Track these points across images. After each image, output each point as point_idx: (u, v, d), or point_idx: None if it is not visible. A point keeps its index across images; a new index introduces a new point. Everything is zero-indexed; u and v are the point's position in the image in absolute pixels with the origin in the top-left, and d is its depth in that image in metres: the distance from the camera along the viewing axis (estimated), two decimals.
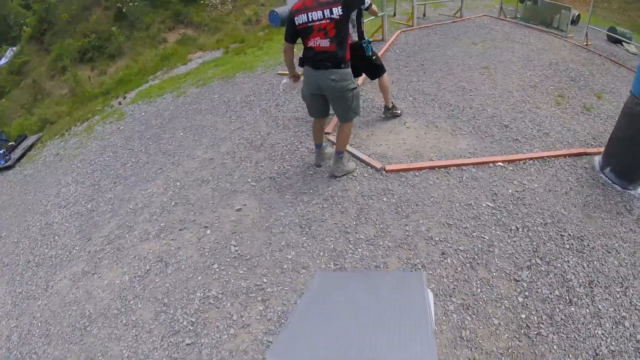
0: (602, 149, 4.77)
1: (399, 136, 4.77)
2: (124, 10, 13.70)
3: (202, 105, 6.45)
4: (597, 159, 4.75)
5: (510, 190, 3.96)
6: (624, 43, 11.43)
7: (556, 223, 3.67)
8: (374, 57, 4.51)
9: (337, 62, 3.25)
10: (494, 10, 12.82)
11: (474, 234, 3.42)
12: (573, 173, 4.47)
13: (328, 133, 4.79)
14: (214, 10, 15.21)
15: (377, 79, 4.72)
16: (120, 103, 7.96)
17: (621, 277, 3.31)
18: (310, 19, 3.16)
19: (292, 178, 4.11)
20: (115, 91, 9.19)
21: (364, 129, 4.91)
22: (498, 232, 3.46)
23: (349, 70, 3.40)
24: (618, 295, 3.14)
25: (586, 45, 10.30)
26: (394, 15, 11.66)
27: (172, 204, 4.07)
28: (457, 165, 4.22)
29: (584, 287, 3.12)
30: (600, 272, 3.30)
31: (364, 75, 5.10)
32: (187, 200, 4.08)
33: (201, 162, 4.72)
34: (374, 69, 4.62)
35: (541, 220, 3.66)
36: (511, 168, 4.32)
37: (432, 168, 4.13)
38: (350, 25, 4.09)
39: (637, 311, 3.07)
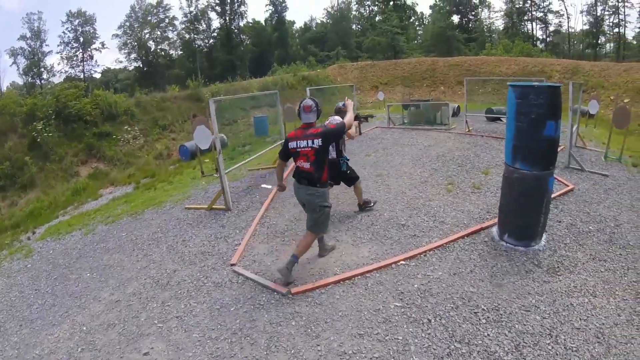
0: (496, 220, 5.59)
1: (303, 257, 5.20)
2: (38, 139, 14.43)
3: (110, 243, 6.71)
4: (495, 230, 5.52)
5: (415, 285, 4.41)
6: (502, 119, 13.78)
7: (467, 303, 4.10)
8: (348, 172, 6.00)
9: (314, 181, 4.34)
10: (384, 121, 15.04)
11: (386, 337, 3.69)
12: (474, 250, 5.12)
13: (234, 264, 5.19)
14: (127, 144, 16.57)
15: (352, 186, 6.21)
16: (29, 238, 8.16)
17: (548, 329, 3.72)
18: (298, 146, 4.32)
19: (199, 315, 4.27)
20: (25, 225, 9.27)
21: (268, 255, 5.31)
22: (411, 329, 3.77)
23: (325, 190, 4.48)
24: (550, 347, 3.51)
25: (468, 131, 12.34)
26: None
27: (79, 350, 4.10)
28: (361, 274, 4.65)
29: (511, 354, 3.43)
30: (524, 332, 3.68)
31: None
32: (94, 345, 4.13)
33: (107, 305, 4.84)
34: (349, 180, 6.11)
35: (452, 305, 4.08)
36: (413, 264, 4.87)
37: (337, 282, 4.55)
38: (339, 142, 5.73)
39: (575, 352, 3.45)
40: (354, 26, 61.47)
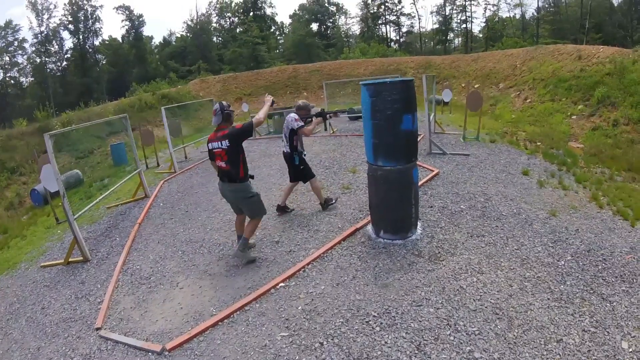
0: (370, 218, 5.52)
1: (174, 302, 4.66)
2: None
3: None
4: (370, 228, 5.46)
5: (299, 308, 4.09)
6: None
7: (357, 313, 3.88)
8: (301, 167, 6.19)
9: (232, 178, 4.75)
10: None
11: None
12: (353, 254, 4.98)
13: (99, 328, 4.38)
14: None
15: (308, 182, 6.37)
16: None
17: (445, 319, 3.66)
18: (213, 147, 4.76)
19: None
20: None
21: (136, 309, 4.68)
22: (304, 359, 3.46)
23: (245, 183, 4.84)
24: (452, 337, 3.44)
25: (333, 133, 12.63)
26: (158, 165, 12.39)
27: None
28: (240, 308, 4.22)
29: (414, 356, 3.29)
30: (421, 329, 3.57)
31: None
32: None
33: None
34: (302, 176, 6.30)
35: (342, 320, 3.82)
36: (294, 283, 4.55)
37: (215, 325, 4.09)
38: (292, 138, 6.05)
39: (479, 335, 3.43)
40: (215, 38, 60.28)
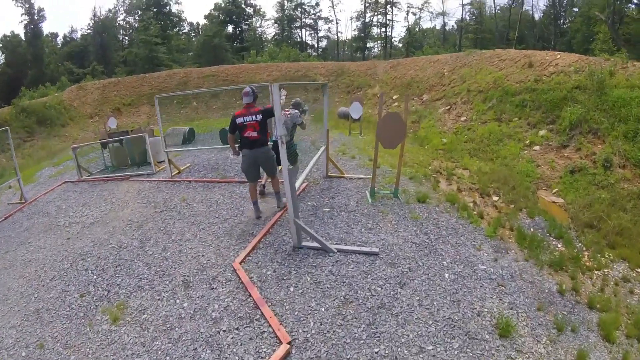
0: None
1: None
2: None
3: None
4: None
5: None
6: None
7: None
8: (297, 153, 7.07)
9: (263, 143, 5.69)
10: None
11: None
12: None
13: None
14: None
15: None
16: None
17: None
18: (245, 120, 5.57)
19: None
20: None
21: None
22: None
23: (269, 147, 5.92)
24: None
25: (175, 174, 8.10)
26: None
27: None
28: None
29: None
30: None
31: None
32: None
33: None
34: (293, 158, 6.74)
35: None
36: None
37: None
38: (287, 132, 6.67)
39: None
40: (121, 37, 52.67)
